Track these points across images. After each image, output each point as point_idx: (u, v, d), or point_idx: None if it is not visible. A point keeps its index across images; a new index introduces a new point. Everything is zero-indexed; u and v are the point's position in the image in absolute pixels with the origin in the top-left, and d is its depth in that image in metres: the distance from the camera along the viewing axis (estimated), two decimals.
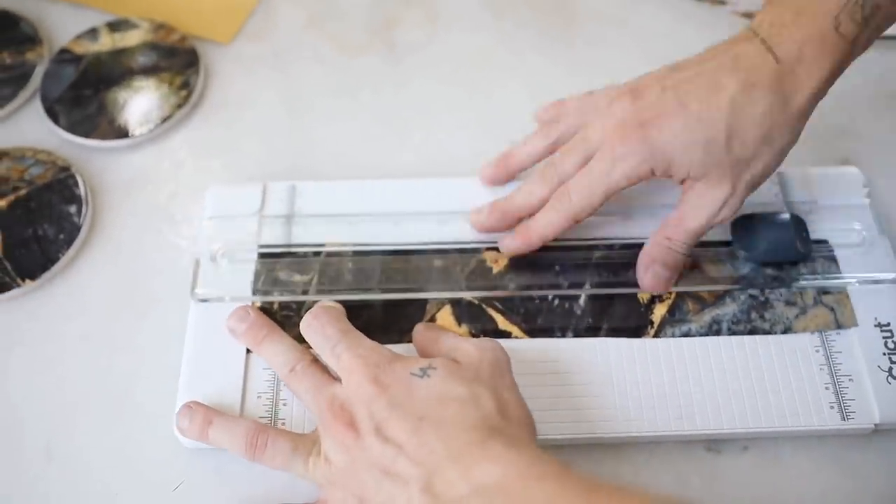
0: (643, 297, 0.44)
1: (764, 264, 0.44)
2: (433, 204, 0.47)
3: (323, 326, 0.40)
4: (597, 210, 0.42)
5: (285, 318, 0.43)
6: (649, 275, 0.43)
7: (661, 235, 0.43)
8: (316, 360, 0.41)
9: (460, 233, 0.46)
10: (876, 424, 0.40)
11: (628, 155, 0.40)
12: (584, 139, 0.43)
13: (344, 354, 0.39)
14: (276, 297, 0.44)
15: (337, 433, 0.36)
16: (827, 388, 0.41)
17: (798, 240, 0.44)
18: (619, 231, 0.46)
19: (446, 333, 0.41)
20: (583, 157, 0.42)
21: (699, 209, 0.41)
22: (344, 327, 0.41)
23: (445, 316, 0.44)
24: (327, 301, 0.43)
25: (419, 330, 0.43)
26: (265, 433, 0.39)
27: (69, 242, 0.47)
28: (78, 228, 0.48)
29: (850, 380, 0.41)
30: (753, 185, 0.41)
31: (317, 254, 0.45)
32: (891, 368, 0.41)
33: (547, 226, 0.43)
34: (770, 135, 0.40)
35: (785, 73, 0.39)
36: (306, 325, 0.41)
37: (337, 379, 0.39)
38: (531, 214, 0.44)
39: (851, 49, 0.39)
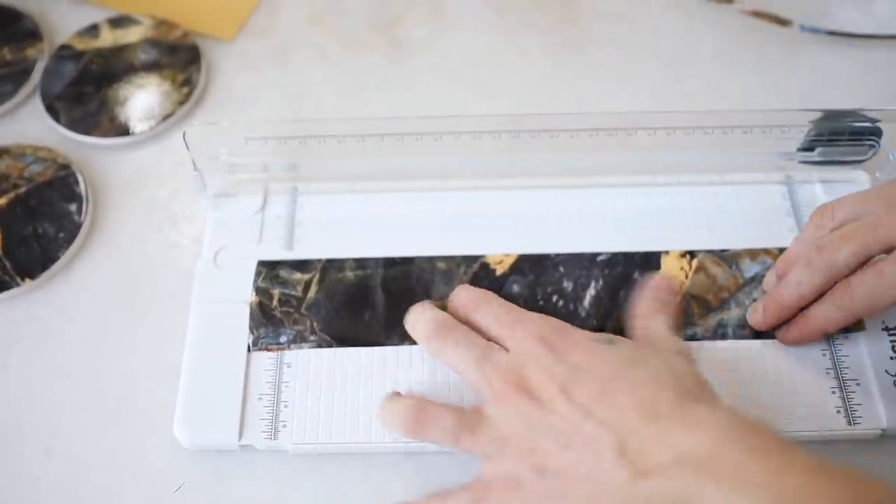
0: None
1: None
2: (438, 210, 0.47)
3: (489, 302, 0.39)
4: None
5: (285, 314, 0.43)
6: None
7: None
8: (465, 326, 0.39)
9: (465, 242, 0.45)
10: (883, 430, 0.39)
11: None
12: (871, 228, 0.37)
13: (516, 325, 0.38)
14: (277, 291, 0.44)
15: (511, 400, 0.35)
16: (833, 393, 0.40)
17: None
18: (625, 244, 0.45)
19: None
20: (863, 247, 0.37)
21: None
22: (509, 305, 0.40)
23: None
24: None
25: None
26: (425, 409, 0.37)
27: (69, 241, 0.47)
28: (78, 227, 0.48)
29: (856, 384, 0.40)
30: None
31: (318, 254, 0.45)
32: None
33: (827, 322, 0.40)
34: None
35: None
36: (473, 309, 0.40)
37: (499, 348, 0.38)
38: (805, 305, 0.40)
39: None
